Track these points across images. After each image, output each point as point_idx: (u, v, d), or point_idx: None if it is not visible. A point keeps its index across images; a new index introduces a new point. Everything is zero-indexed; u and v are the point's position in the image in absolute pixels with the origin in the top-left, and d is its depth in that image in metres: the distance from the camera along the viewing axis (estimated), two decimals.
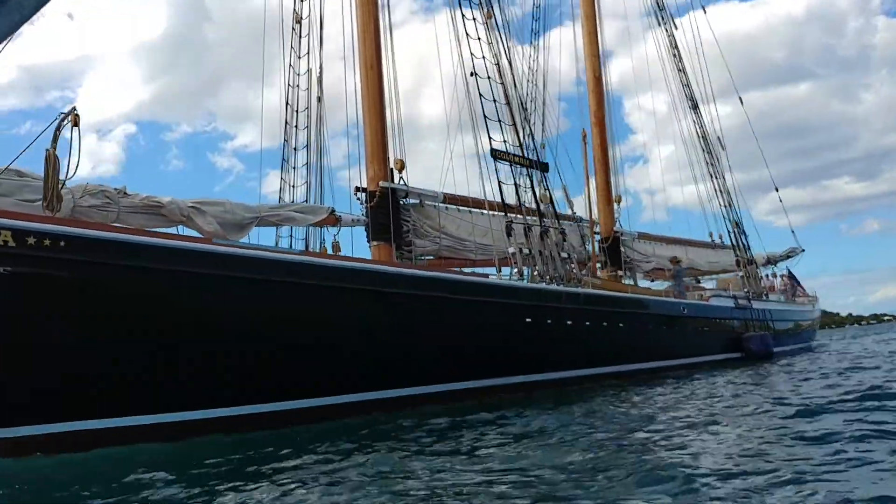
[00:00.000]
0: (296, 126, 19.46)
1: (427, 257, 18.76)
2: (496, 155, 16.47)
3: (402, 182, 18.16)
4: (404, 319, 12.41)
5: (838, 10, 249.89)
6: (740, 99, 38.34)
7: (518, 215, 16.60)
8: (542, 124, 27.81)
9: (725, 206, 24.99)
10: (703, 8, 32.58)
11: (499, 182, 16.40)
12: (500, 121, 16.89)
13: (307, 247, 18.53)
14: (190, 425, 9.70)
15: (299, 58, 19.68)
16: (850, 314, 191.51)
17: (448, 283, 13.48)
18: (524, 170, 17.31)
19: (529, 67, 28.07)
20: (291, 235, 18.62)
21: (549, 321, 15.86)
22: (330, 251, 17.45)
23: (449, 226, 18.66)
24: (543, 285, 15.94)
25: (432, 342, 12.95)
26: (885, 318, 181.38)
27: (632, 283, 25.78)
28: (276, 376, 10.82)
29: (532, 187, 17.12)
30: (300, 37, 19.66)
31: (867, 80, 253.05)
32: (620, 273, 25.34)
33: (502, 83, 17.30)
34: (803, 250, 37.80)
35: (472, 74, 16.94)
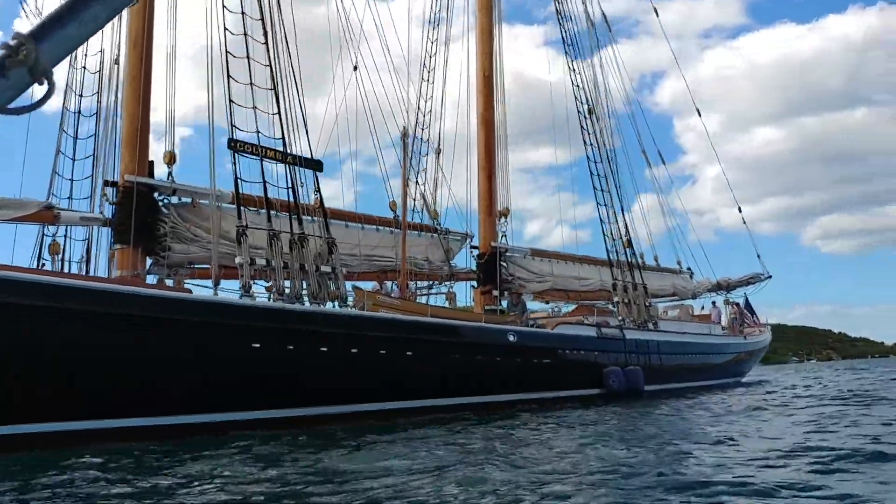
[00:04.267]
0: (78, 112, 17.27)
1: (200, 265, 16.33)
2: (236, 147, 13.96)
3: (170, 178, 15.84)
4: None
5: None
6: (698, 111, 35.63)
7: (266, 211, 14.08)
8: (441, 123, 25.14)
9: (609, 223, 21.94)
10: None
11: (235, 178, 13.91)
12: (255, 108, 14.36)
13: (88, 252, 16.26)
14: None
15: None
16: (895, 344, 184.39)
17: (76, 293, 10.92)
18: (291, 168, 14.73)
19: (425, 64, 25.49)
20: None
21: (289, 347, 13.30)
22: (46, 255, 15.17)
23: (234, 231, 16.06)
24: (262, 302, 13.38)
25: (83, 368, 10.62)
26: None
27: (505, 304, 23.01)
28: None
29: (293, 188, 14.55)
30: None
31: None
32: (496, 293, 22.58)
33: (269, 65, 14.78)
34: (769, 276, 34.46)
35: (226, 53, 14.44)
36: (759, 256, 34.98)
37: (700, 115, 35.21)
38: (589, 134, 22.44)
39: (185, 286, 14.36)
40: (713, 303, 32.55)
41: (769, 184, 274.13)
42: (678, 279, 31.06)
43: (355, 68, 21.41)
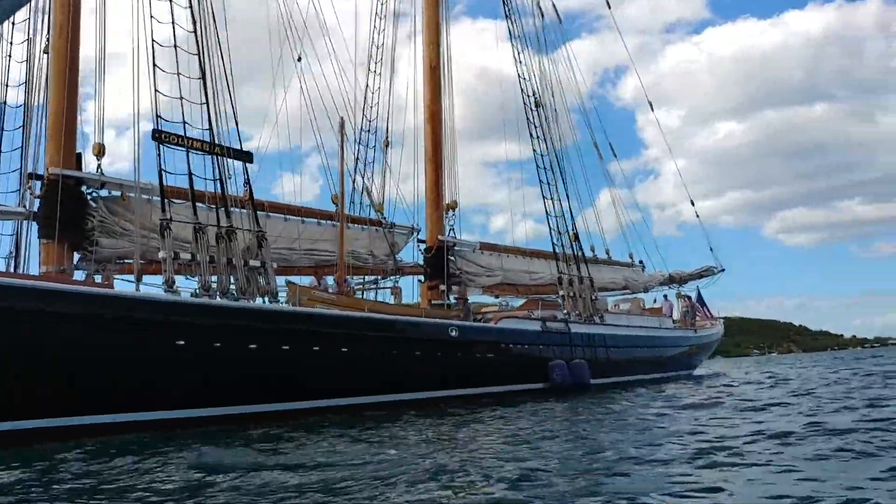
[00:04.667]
0: (4, 102, 16.68)
1: (130, 260, 15.86)
2: (161, 138, 13.55)
3: (99, 170, 15.38)
4: None
5: (858, 32, 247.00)
6: (650, 105, 35.82)
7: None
8: (390, 116, 24.78)
9: (555, 217, 21.80)
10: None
11: (159, 170, 13.51)
12: (181, 98, 13.96)
13: (17, 247, 15.76)
14: None
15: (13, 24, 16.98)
16: (854, 336, 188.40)
17: None
18: (218, 160, 14.33)
19: (373, 56, 25.10)
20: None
21: (216, 344, 12.94)
22: None
23: (182, 228, 15.48)
24: (185, 298, 13.00)
25: None
26: (890, 341, 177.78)
27: (455, 298, 22.74)
28: None
29: (221, 179, 14.18)
30: None
31: (886, 103, 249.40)
32: (443, 287, 22.34)
33: (198, 54, 14.39)
34: (722, 270, 34.66)
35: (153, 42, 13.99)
36: (711, 249, 35.24)
37: (653, 110, 35.56)
38: (535, 127, 22.28)
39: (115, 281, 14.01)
40: (665, 296, 32.72)
41: (731, 177, 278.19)
42: (630, 272, 31.10)
43: (299, 59, 21.04)
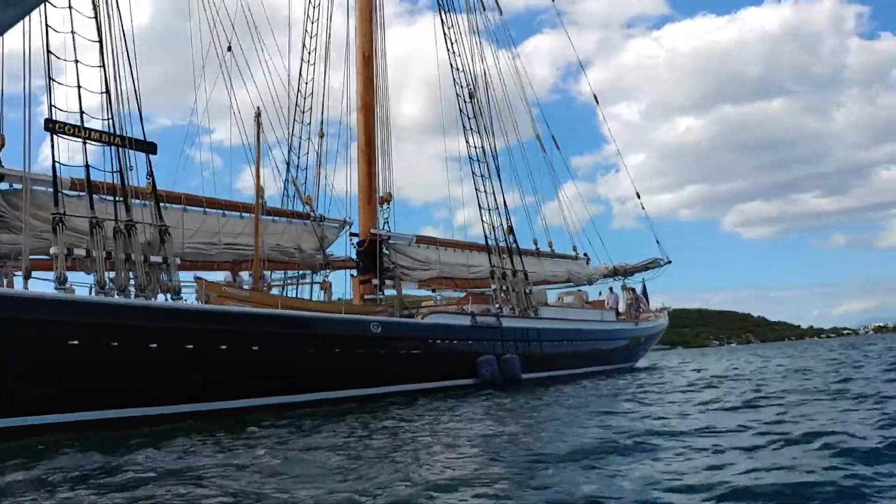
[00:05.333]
0: None
1: (32, 256, 15.15)
2: (55, 128, 12.89)
3: None
4: None
5: (812, 29, 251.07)
6: (595, 98, 35.60)
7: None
8: (323, 109, 24.15)
9: (490, 209, 21.45)
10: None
11: (53, 162, 12.85)
12: (79, 86, 13.30)
13: None
14: None
15: None
16: (811, 326, 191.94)
17: None
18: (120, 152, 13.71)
19: (305, 45, 24.48)
20: None
21: (113, 343, 12.35)
22: None
23: (79, 222, 14.82)
24: (78, 295, 12.41)
25: None
26: (845, 331, 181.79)
27: (394, 292, 22.29)
28: None
29: (121, 171, 13.56)
30: None
31: (839, 99, 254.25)
32: (376, 281, 21.90)
33: (99, 41, 13.74)
34: (669, 262, 34.60)
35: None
36: (658, 242, 35.20)
37: (597, 102, 35.39)
38: (469, 118, 21.90)
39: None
40: (610, 288, 32.53)
41: (690, 171, 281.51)
42: (573, 265, 30.95)
43: (229, 49, 20.46)
